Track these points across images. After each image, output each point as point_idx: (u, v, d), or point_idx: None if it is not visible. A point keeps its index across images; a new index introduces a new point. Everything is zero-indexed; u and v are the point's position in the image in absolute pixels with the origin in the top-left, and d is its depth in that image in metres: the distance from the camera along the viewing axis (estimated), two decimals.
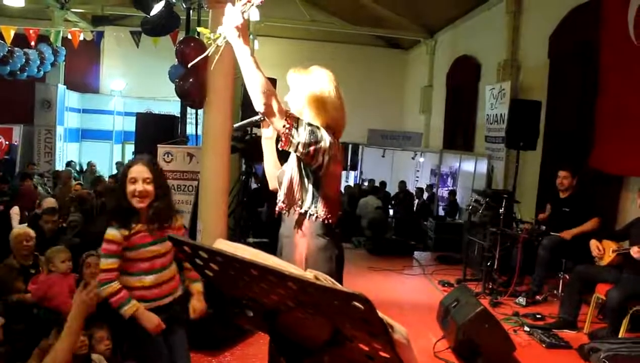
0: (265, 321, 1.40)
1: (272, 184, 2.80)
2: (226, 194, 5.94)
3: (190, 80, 5.42)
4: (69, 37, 12.93)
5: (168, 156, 7.74)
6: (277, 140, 2.49)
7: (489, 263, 6.27)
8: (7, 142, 15.99)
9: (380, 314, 1.14)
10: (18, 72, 12.35)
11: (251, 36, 14.30)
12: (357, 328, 1.17)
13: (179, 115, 9.03)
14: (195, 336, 4.33)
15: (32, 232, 5.20)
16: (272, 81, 7.96)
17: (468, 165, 12.72)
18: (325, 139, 2.43)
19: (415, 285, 7.05)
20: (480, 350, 4.09)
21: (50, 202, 7.10)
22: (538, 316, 5.52)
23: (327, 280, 1.20)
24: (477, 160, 12.09)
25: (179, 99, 6.54)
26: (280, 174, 2.66)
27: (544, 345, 4.78)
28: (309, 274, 1.21)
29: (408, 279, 7.32)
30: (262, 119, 2.60)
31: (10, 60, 11.87)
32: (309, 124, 2.41)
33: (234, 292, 1.50)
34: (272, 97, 2.30)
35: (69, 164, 14.48)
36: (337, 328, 1.26)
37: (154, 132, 8.85)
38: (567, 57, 8.78)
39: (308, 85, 2.58)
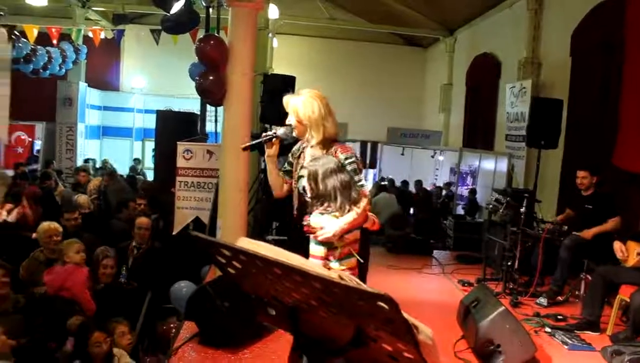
0: (288, 319, 1.39)
1: (276, 192, 3.24)
2: (246, 191, 5.96)
3: (210, 77, 5.45)
4: (90, 35, 13.10)
5: (188, 153, 7.76)
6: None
7: (509, 263, 6.19)
8: (30, 139, 16.25)
9: (405, 315, 1.13)
10: (41, 70, 12.55)
11: (270, 34, 14.32)
12: (381, 328, 1.16)
13: (198, 113, 9.07)
14: (214, 333, 4.36)
15: (60, 227, 5.33)
16: (291, 79, 8.00)
17: (488, 164, 12.62)
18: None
19: (434, 284, 6.99)
20: (501, 350, 4.05)
21: (83, 199, 7.22)
22: (559, 317, 5.44)
23: (351, 280, 1.18)
24: (497, 159, 11.99)
25: (199, 97, 6.57)
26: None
27: (566, 347, 4.70)
28: (333, 274, 1.20)
29: (427, 278, 7.27)
30: (270, 139, 3.01)
31: (33, 59, 12.06)
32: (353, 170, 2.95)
33: (257, 291, 1.50)
34: (363, 218, 2.87)
35: (86, 161, 14.64)
36: (361, 328, 1.24)
37: (174, 129, 8.92)
38: (589, 54, 8.65)
39: (304, 110, 2.97)
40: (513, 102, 10.84)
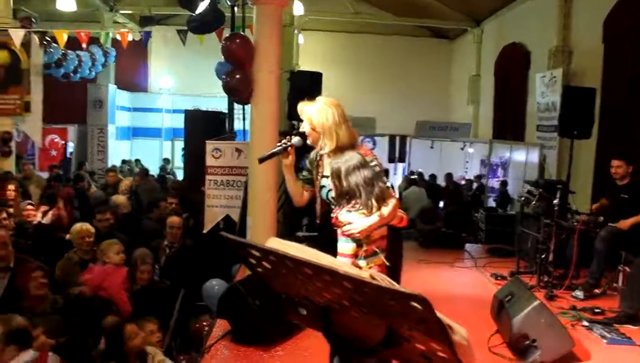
0: (319, 319, 1.38)
1: (296, 200, 3.20)
2: (275, 189, 5.97)
3: (237, 76, 5.47)
4: (118, 38, 13.27)
5: (217, 152, 7.80)
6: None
7: (543, 256, 6.08)
8: (62, 142, 16.57)
9: (439, 315, 1.10)
10: (71, 74, 12.78)
11: (295, 31, 14.31)
12: (414, 328, 1.14)
13: (226, 111, 9.11)
14: (246, 331, 4.38)
15: (92, 229, 5.41)
16: (318, 75, 7.98)
17: (519, 155, 12.42)
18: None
19: (467, 278, 6.91)
20: (537, 345, 3.97)
21: (121, 199, 7.32)
22: (597, 310, 5.31)
23: (383, 280, 1.16)
24: (528, 150, 11.79)
25: (226, 95, 6.60)
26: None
27: (604, 341, 4.59)
28: (365, 273, 1.18)
29: (460, 272, 7.19)
30: (284, 149, 2.96)
31: (64, 63, 12.29)
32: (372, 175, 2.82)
33: (287, 290, 1.48)
34: (392, 216, 2.83)
35: (124, 162, 14.88)
36: (393, 328, 1.22)
37: (202, 128, 8.97)
38: (622, 40, 8.43)
39: (318, 118, 2.92)
40: (544, 92, 10.63)
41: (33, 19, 11.56)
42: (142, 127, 18.04)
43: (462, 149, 15.00)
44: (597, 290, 5.91)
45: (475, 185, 13.37)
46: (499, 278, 6.54)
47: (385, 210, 2.78)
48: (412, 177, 14.05)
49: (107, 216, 6.29)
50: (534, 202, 6.36)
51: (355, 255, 2.81)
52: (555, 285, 6.03)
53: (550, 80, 10.29)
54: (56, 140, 16.58)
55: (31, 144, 14.21)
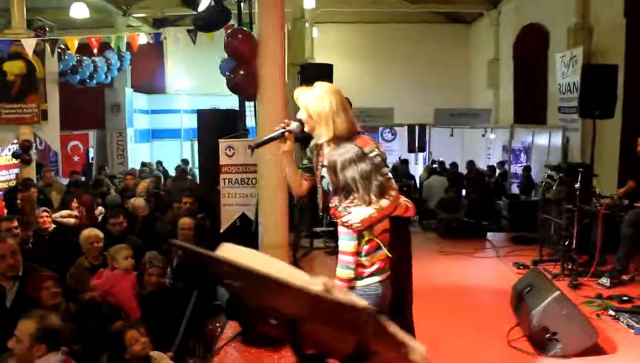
0: (286, 330, 1.26)
1: (295, 191, 3.12)
2: (285, 185, 5.84)
3: (241, 72, 5.36)
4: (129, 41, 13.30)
5: (230, 150, 7.71)
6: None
7: (566, 243, 5.85)
8: (84, 147, 16.74)
9: (396, 330, 0.97)
10: (87, 80, 12.84)
11: (306, 24, 14.15)
12: (376, 342, 1.01)
13: (238, 109, 9.01)
14: (256, 332, 4.29)
15: (100, 234, 5.36)
16: (328, 67, 7.83)
17: (542, 139, 12.11)
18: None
19: (488, 268, 6.71)
20: (558, 338, 3.79)
21: (139, 202, 7.29)
22: (625, 298, 5.07)
23: (339, 292, 1.03)
24: (551, 133, 11.47)
25: None
26: None
27: (632, 331, 4.37)
28: (318, 284, 1.05)
29: (481, 262, 6.99)
30: (281, 134, 2.83)
31: (80, 69, 12.35)
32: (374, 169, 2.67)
33: (258, 299, 1.37)
34: (393, 207, 2.71)
35: (143, 165, 14.93)
36: (361, 341, 1.09)
37: (216, 127, 8.89)
38: None
39: (314, 106, 2.78)
40: (564, 73, 10.31)
41: (47, 28, 11.65)
42: (162, 128, 18.08)
43: (483, 135, 14.70)
44: (624, 277, 5.67)
45: (497, 171, 13.08)
46: (521, 267, 6.33)
47: (385, 202, 2.65)
48: (434, 166, 13.83)
49: (120, 219, 6.26)
50: (554, 187, 6.13)
51: (358, 253, 2.67)
52: (580, 273, 5.80)
53: (570, 59, 9.96)
54: (78, 146, 16.76)
55: (53, 151, 14.36)
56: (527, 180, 11.71)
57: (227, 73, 5.54)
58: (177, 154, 17.83)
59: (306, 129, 2.89)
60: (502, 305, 4.98)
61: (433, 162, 14.73)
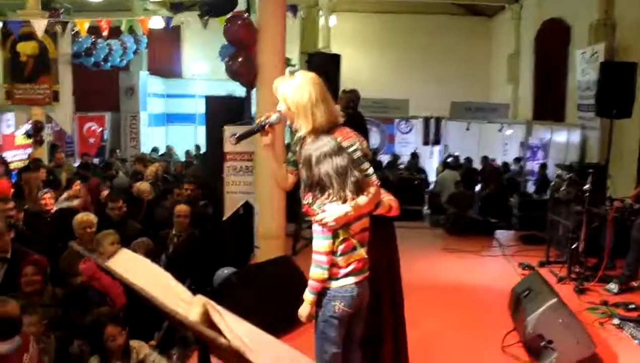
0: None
1: (280, 185, 3.00)
2: None
3: (240, 59, 5.22)
4: (149, 26, 13.22)
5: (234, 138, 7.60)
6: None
7: (574, 245, 5.63)
8: (100, 129, 16.76)
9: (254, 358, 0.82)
10: (102, 62, 12.82)
11: (321, 12, 13.93)
12: None
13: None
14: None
15: (94, 219, 5.28)
16: (336, 57, 7.65)
17: (560, 136, 11.80)
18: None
19: (492, 267, 6.51)
20: (554, 347, 3.61)
21: (144, 187, 7.23)
22: (631, 306, 4.85)
23: (213, 311, 0.89)
24: (569, 131, 11.16)
25: None
26: None
27: (635, 342, 4.17)
28: (198, 305, 0.90)
29: (486, 261, 6.79)
30: (262, 127, 2.72)
31: (94, 52, 12.32)
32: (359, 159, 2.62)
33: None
34: (372, 205, 2.60)
35: (153, 150, 14.91)
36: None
37: (223, 114, 8.79)
38: None
39: (292, 96, 2.65)
40: (584, 69, 9.98)
41: (62, 10, 11.63)
42: (177, 113, 18.04)
43: (500, 130, 14.38)
44: (634, 283, 5.45)
45: (513, 168, 12.79)
46: (526, 268, 6.12)
47: (362, 199, 2.49)
48: (448, 160, 13.59)
49: (119, 204, 6.18)
50: (563, 188, 5.90)
51: (332, 252, 2.53)
52: (587, 277, 5.60)
53: (591, 56, 9.63)
54: (93, 128, 16.79)
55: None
56: (543, 178, 11.41)
57: (226, 59, 5.41)
58: (191, 139, 17.80)
59: (288, 122, 2.76)
60: (501, 307, 4.81)
61: (448, 156, 14.48)
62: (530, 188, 11.84)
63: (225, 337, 0.84)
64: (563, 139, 11.56)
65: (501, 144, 15.09)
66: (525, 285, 4.33)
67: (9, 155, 12.88)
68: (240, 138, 2.89)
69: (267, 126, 2.71)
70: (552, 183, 6.60)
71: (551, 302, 3.69)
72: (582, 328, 3.69)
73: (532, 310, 3.77)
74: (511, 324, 4.37)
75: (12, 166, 11.70)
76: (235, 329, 0.87)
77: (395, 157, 14.13)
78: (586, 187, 5.45)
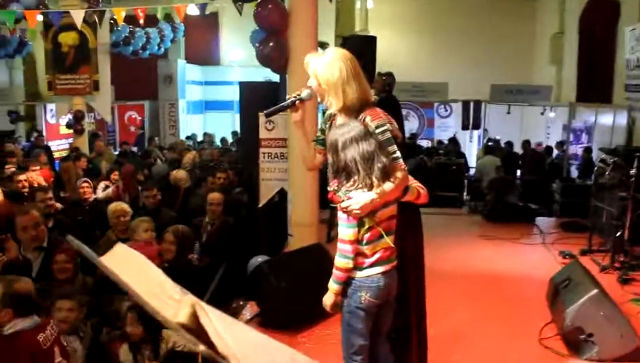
0: None
1: (308, 165, 2.91)
2: None
3: (271, 44, 5.16)
4: (187, 12, 13.27)
5: (270, 124, 7.58)
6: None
7: (618, 233, 5.40)
8: (140, 118, 17.04)
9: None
10: (140, 51, 12.97)
11: None
12: None
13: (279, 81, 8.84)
14: (272, 314, 4.16)
15: (127, 208, 5.34)
16: (372, 39, 7.51)
17: (605, 119, 11.34)
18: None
19: (531, 256, 6.31)
20: (594, 341, 3.46)
21: (181, 174, 7.31)
22: None
23: (202, 313, 0.83)
24: (615, 113, 10.71)
25: None
26: None
27: None
28: (187, 305, 0.85)
29: (524, 249, 6.59)
30: (292, 103, 2.67)
31: (132, 41, 12.47)
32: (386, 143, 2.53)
33: None
34: (399, 191, 2.53)
35: (189, 137, 15.06)
36: None
37: (257, 100, 8.77)
38: None
39: (323, 73, 2.56)
40: (633, 47, 9.53)
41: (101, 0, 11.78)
42: (215, 100, 18.16)
43: (542, 113, 13.94)
44: None
45: (555, 152, 12.39)
46: (567, 256, 5.91)
47: (388, 185, 2.41)
48: (489, 144, 13.26)
49: (154, 192, 6.23)
50: (607, 173, 5.65)
51: (358, 241, 2.46)
52: (632, 267, 5.36)
53: None
54: (134, 116, 17.08)
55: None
56: (587, 162, 11.02)
57: (256, 44, 5.35)
58: (229, 126, 17.92)
59: (319, 99, 2.69)
60: (540, 297, 4.64)
61: (489, 140, 14.14)
62: (574, 173, 11.45)
63: (210, 341, 0.78)
64: (609, 121, 11.11)
65: (543, 128, 14.65)
66: (564, 275, 4.16)
67: (53, 145, 13.26)
68: (270, 113, 2.84)
69: (297, 102, 2.66)
70: (596, 168, 6.30)
71: (592, 292, 3.53)
72: (625, 320, 3.52)
73: (571, 302, 3.61)
74: (549, 316, 4.22)
75: (56, 155, 12.05)
76: (223, 333, 0.81)
77: (436, 144, 13.89)
78: (632, 171, 5.21)
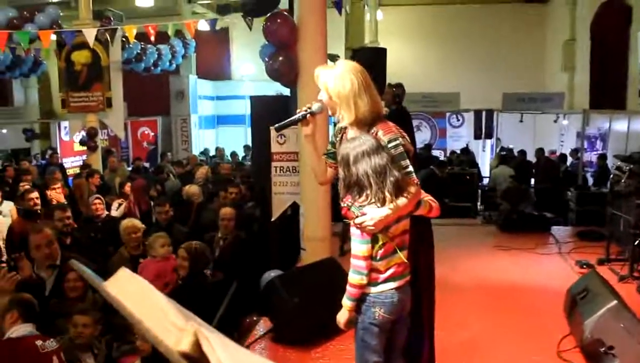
0: None
1: (319, 179, 2.89)
2: None
3: (280, 58, 5.16)
4: (198, 27, 13.41)
5: (281, 138, 7.58)
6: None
7: (636, 242, 5.31)
8: (153, 133, 17.17)
9: None
10: (152, 67, 13.10)
11: (366, 7, 13.75)
12: None
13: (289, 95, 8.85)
14: (285, 330, 4.12)
15: (139, 224, 5.34)
16: (382, 51, 7.51)
17: (620, 125, 11.23)
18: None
19: (547, 266, 6.22)
20: (615, 353, 3.38)
21: (194, 190, 7.34)
22: None
23: (204, 341, 0.81)
24: (630, 119, 10.60)
25: None
26: None
27: None
28: (189, 333, 0.83)
29: (540, 259, 6.49)
30: (303, 117, 2.64)
31: (144, 57, 12.61)
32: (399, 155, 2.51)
33: None
34: (412, 206, 2.49)
35: (202, 152, 15.13)
36: None
37: (268, 114, 8.78)
38: None
39: (334, 86, 2.54)
40: None
41: (112, 17, 11.92)
42: (227, 115, 18.26)
43: (556, 121, 13.83)
44: None
45: (570, 160, 12.26)
46: (584, 266, 5.81)
47: (402, 200, 2.38)
48: (502, 153, 13.17)
49: (166, 208, 6.24)
50: (623, 180, 5.57)
51: (372, 257, 2.43)
52: None
53: None
54: (147, 132, 17.21)
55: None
56: (602, 169, 10.88)
57: (266, 59, 5.36)
58: (241, 140, 17.99)
59: (330, 112, 2.67)
60: (557, 308, 4.55)
61: (502, 149, 14.04)
62: (589, 181, 11.32)
63: None
64: (623, 128, 11.00)
65: (557, 135, 14.53)
66: (582, 285, 4.08)
67: (67, 162, 13.39)
68: (281, 127, 2.83)
69: (308, 115, 2.64)
70: (611, 175, 6.22)
71: (611, 304, 3.45)
72: None
73: (590, 313, 3.54)
74: (567, 327, 4.14)
75: (70, 172, 12.16)
76: (226, 361, 0.79)
77: (449, 154, 13.82)
78: None
